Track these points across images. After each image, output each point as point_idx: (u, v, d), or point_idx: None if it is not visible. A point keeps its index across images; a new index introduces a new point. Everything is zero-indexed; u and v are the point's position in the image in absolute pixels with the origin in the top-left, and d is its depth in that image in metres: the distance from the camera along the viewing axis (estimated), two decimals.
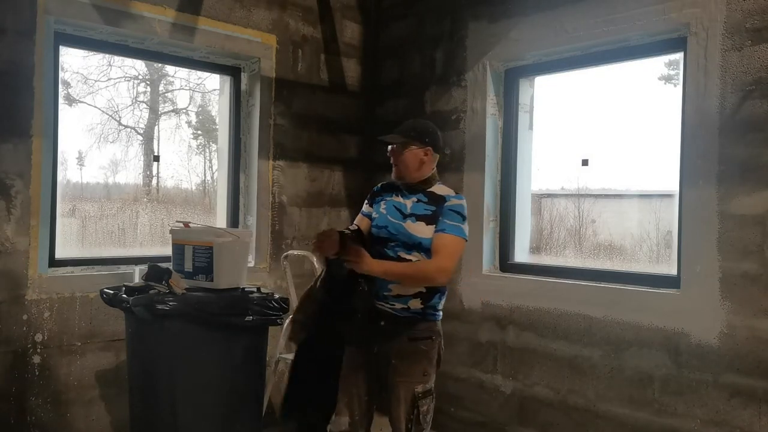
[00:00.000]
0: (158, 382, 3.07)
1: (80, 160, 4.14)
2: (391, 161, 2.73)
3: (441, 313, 2.74)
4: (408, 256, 2.63)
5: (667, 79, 3.60)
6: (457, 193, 2.71)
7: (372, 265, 2.52)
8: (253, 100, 4.22)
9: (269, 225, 4.24)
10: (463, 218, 2.63)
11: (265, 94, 4.20)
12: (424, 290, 2.63)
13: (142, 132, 4.61)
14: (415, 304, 2.63)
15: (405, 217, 2.67)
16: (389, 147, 2.74)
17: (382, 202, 2.77)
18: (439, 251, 2.56)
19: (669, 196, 3.50)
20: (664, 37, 3.30)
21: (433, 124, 2.85)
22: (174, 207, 4.50)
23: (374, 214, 2.77)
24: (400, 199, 2.72)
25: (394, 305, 2.64)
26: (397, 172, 2.73)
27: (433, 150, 2.72)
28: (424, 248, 2.61)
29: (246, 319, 3.09)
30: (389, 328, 2.64)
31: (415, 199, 2.69)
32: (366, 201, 2.87)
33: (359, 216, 2.87)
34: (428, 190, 2.70)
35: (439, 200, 2.66)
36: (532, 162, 4.11)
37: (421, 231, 2.62)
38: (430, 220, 2.62)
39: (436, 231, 2.59)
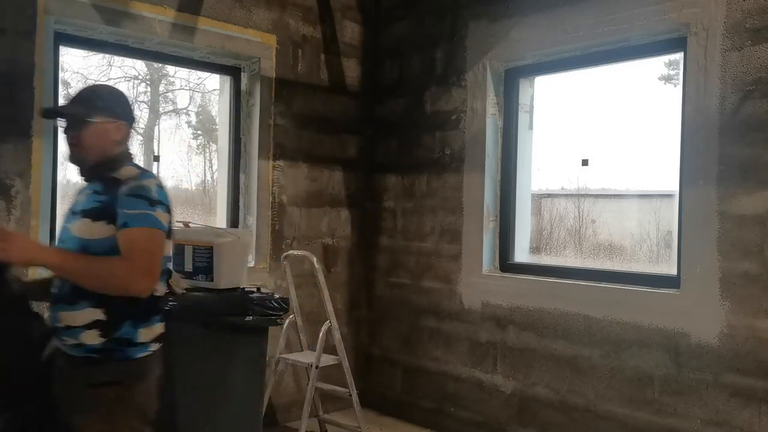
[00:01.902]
0: None
1: None
2: (67, 141, 2.06)
3: (149, 346, 1.99)
4: None
5: (667, 79, 3.61)
6: (144, 172, 2.04)
7: (34, 252, 1.84)
8: (253, 100, 4.22)
9: (269, 225, 4.23)
10: (151, 202, 1.93)
11: (265, 94, 4.20)
12: (103, 317, 1.90)
13: (142, 132, 4.62)
14: (91, 338, 1.90)
15: (74, 215, 2.01)
16: (60, 123, 2.09)
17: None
18: (128, 253, 1.87)
19: (669, 196, 3.50)
20: (664, 37, 3.30)
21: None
22: (174, 207, 4.50)
23: None
24: (79, 195, 2.08)
25: (66, 341, 1.93)
26: (76, 154, 2.05)
27: (126, 123, 2.11)
28: (90, 254, 1.90)
29: (246, 319, 3.10)
30: (66, 372, 1.95)
31: (91, 191, 2.02)
32: None
33: None
34: (111, 175, 2.00)
35: (113, 186, 1.95)
36: (532, 162, 4.11)
37: (85, 230, 1.93)
38: (98, 214, 1.93)
39: (118, 228, 1.90)
